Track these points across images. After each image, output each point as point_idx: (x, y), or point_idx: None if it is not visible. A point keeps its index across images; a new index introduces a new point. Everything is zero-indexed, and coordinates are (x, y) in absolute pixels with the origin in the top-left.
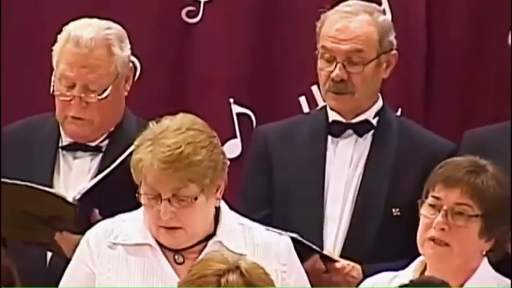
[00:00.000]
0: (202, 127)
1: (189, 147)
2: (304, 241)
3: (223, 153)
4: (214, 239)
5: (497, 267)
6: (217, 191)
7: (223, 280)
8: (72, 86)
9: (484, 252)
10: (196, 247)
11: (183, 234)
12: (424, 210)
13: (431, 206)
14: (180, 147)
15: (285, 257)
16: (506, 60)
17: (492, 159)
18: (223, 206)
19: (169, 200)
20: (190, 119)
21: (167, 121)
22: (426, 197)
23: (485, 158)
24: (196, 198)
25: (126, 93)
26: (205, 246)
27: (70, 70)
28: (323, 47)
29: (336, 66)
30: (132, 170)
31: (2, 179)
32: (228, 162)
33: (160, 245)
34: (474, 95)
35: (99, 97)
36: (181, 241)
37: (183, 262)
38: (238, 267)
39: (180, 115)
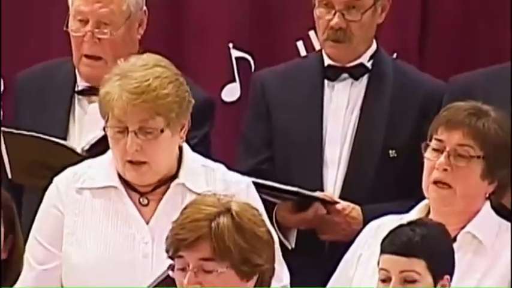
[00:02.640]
0: (169, 65)
1: (156, 81)
2: (305, 192)
3: (188, 92)
4: (177, 180)
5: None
6: (181, 130)
7: (213, 224)
8: (86, 22)
9: (486, 195)
10: (159, 189)
11: (148, 169)
12: (428, 154)
13: (435, 149)
14: (148, 80)
15: (243, 196)
16: (505, 2)
17: (493, 104)
18: (186, 148)
19: (135, 133)
20: (156, 58)
21: (134, 59)
22: (430, 141)
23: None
24: (162, 131)
25: (139, 37)
26: (168, 187)
27: (84, 5)
28: None
29: (334, 14)
30: (98, 105)
31: (16, 131)
32: (193, 102)
33: (126, 187)
34: (469, 38)
35: (112, 33)
36: (146, 177)
37: (148, 204)
38: (229, 210)
39: (146, 54)
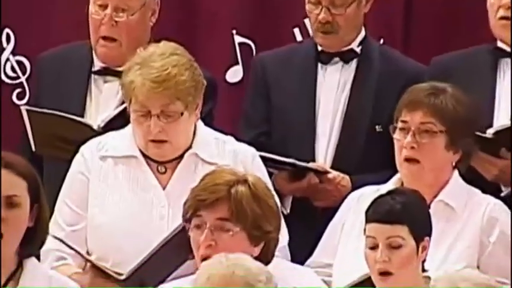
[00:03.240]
0: (184, 52)
1: (174, 69)
2: (300, 163)
3: (201, 75)
4: (190, 151)
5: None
6: (196, 108)
7: (233, 190)
8: (105, 7)
9: (453, 164)
10: (174, 160)
11: (169, 147)
12: (396, 135)
13: (401, 129)
14: (167, 69)
15: (249, 164)
16: None
17: (456, 83)
18: (200, 123)
19: (158, 116)
20: (172, 46)
21: (152, 48)
22: (396, 123)
23: (449, 82)
24: (182, 114)
25: (151, 24)
26: (182, 157)
27: None
28: None
29: (321, 9)
30: (122, 91)
31: (40, 109)
32: (205, 83)
33: (145, 157)
34: (451, 24)
35: (129, 17)
36: (167, 153)
37: (165, 172)
38: (246, 180)
39: (163, 43)
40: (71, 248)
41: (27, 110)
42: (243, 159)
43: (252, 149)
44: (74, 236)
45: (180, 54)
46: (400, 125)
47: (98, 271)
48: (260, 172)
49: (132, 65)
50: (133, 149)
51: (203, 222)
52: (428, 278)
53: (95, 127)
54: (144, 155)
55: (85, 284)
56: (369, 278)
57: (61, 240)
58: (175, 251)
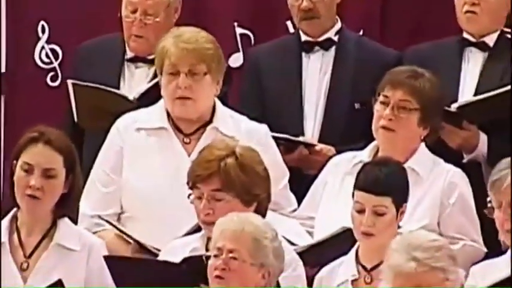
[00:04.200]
0: (209, 35)
1: (202, 38)
2: (292, 138)
3: (223, 56)
4: (211, 125)
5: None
6: (217, 83)
7: (222, 163)
8: (135, 11)
9: (422, 137)
10: (198, 132)
11: (193, 104)
12: (377, 106)
13: (382, 103)
14: (196, 37)
15: (263, 140)
16: None
17: (429, 68)
18: (218, 102)
19: (186, 74)
20: (202, 31)
21: (182, 28)
22: (378, 96)
23: (423, 68)
24: (205, 74)
25: (174, 21)
26: (205, 130)
27: None
28: None
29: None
30: (156, 59)
31: (83, 83)
32: (226, 65)
33: (174, 129)
34: (422, 17)
35: (155, 20)
36: (190, 111)
37: (189, 142)
38: (234, 152)
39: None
40: (116, 228)
41: (73, 84)
42: (257, 137)
43: (265, 127)
44: (108, 196)
45: (208, 35)
46: (381, 98)
47: (140, 246)
48: (272, 148)
49: (165, 38)
50: (164, 122)
51: (201, 194)
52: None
53: (131, 98)
54: (173, 127)
55: (124, 252)
56: (346, 231)
57: (108, 221)
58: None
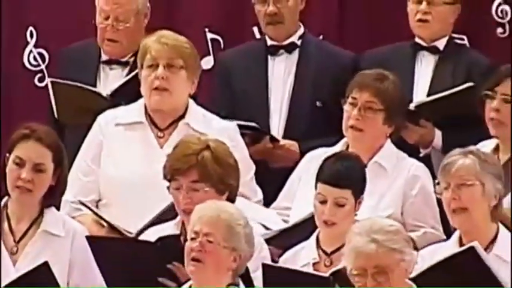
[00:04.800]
0: (189, 41)
1: (180, 38)
2: (260, 128)
3: (198, 57)
4: (183, 120)
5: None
6: (192, 83)
7: (199, 157)
8: (107, 18)
9: (387, 135)
10: (171, 127)
11: (168, 96)
12: (346, 107)
13: (350, 103)
14: (175, 37)
15: (232, 137)
16: None
17: (385, 70)
18: (192, 101)
19: (164, 66)
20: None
21: (163, 31)
22: (347, 98)
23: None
24: (181, 67)
25: (144, 25)
26: (177, 125)
27: (106, 5)
28: None
29: (268, 5)
30: (139, 55)
31: (61, 81)
32: (202, 68)
33: (149, 124)
34: (378, 23)
35: (126, 25)
36: (166, 102)
37: (163, 136)
38: (208, 146)
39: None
40: (92, 211)
41: (52, 82)
42: (228, 134)
43: (234, 125)
44: (88, 185)
45: (187, 41)
46: (350, 100)
47: (113, 229)
48: (241, 144)
49: (149, 37)
50: (141, 116)
51: (179, 185)
52: (357, 221)
53: (104, 95)
54: (149, 122)
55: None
56: (312, 217)
57: (86, 205)
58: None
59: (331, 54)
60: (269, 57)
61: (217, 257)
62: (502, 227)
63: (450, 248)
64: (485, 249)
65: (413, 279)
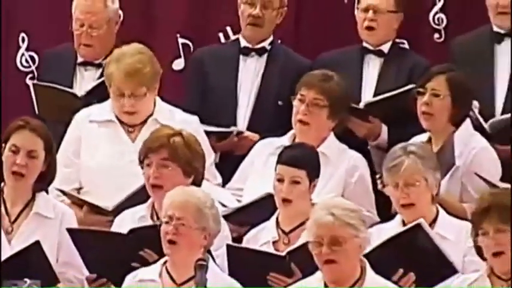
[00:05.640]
0: (147, 51)
1: (139, 64)
2: (225, 130)
3: (158, 65)
4: (152, 117)
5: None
6: (155, 89)
7: (171, 140)
8: (82, 25)
9: (331, 128)
10: (140, 123)
11: (137, 116)
12: (295, 103)
13: (299, 100)
14: (135, 65)
15: (195, 128)
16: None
17: (337, 73)
18: (158, 98)
19: (129, 96)
20: (138, 47)
21: (125, 48)
22: (296, 95)
23: (331, 71)
24: (145, 94)
25: (115, 31)
26: (146, 122)
27: (81, 14)
28: None
29: (256, 8)
30: (105, 79)
31: (40, 83)
32: (161, 71)
33: (119, 121)
34: (330, 30)
35: (99, 32)
36: (136, 120)
37: (133, 131)
38: (180, 133)
39: (133, 44)
40: (72, 196)
41: (33, 84)
42: (190, 126)
43: (196, 118)
44: (68, 175)
45: (145, 53)
46: (299, 97)
47: (91, 207)
48: (201, 134)
49: (111, 60)
50: (111, 116)
51: (150, 162)
52: (313, 204)
53: (79, 95)
54: (118, 120)
55: (81, 215)
56: (268, 197)
57: (65, 193)
58: (145, 192)
59: (294, 60)
60: (241, 57)
61: (189, 238)
62: (440, 209)
63: (395, 227)
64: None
65: (366, 256)
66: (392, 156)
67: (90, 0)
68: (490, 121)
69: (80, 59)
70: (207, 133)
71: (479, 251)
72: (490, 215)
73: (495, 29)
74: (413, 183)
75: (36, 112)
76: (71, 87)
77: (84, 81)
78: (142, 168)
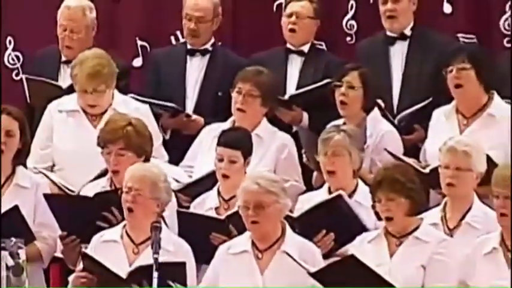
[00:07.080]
0: (105, 55)
1: (99, 66)
2: (178, 108)
3: (114, 67)
4: (111, 107)
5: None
6: (112, 86)
7: (124, 131)
8: (65, 30)
9: (263, 114)
10: (103, 113)
11: (99, 108)
12: (233, 94)
13: (237, 92)
14: (95, 67)
15: (145, 114)
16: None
17: (266, 68)
18: (116, 91)
19: (91, 92)
20: (98, 52)
21: (87, 52)
22: (235, 87)
23: (263, 67)
24: (105, 91)
25: (93, 35)
26: (106, 111)
27: (64, 21)
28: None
29: (192, 22)
30: (71, 79)
31: (32, 77)
32: (117, 70)
33: (84, 111)
34: (265, 33)
35: (78, 36)
36: (98, 111)
37: (96, 120)
38: (131, 123)
39: (94, 49)
40: (44, 175)
41: (26, 78)
42: (142, 112)
43: (146, 106)
44: (44, 157)
45: (103, 57)
46: (236, 89)
47: (58, 187)
48: (150, 118)
49: (76, 63)
50: (77, 106)
51: (110, 151)
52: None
53: (63, 87)
54: (83, 110)
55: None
56: (212, 173)
57: (40, 171)
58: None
59: (232, 59)
60: (188, 57)
61: (145, 206)
62: (360, 182)
63: (322, 195)
64: (349, 197)
65: (297, 219)
66: (327, 131)
67: (72, 9)
68: (398, 117)
69: (63, 58)
70: (163, 108)
71: (376, 214)
72: (382, 186)
73: (388, 33)
74: (338, 154)
75: (28, 101)
76: (57, 80)
77: (67, 77)
78: (102, 153)
